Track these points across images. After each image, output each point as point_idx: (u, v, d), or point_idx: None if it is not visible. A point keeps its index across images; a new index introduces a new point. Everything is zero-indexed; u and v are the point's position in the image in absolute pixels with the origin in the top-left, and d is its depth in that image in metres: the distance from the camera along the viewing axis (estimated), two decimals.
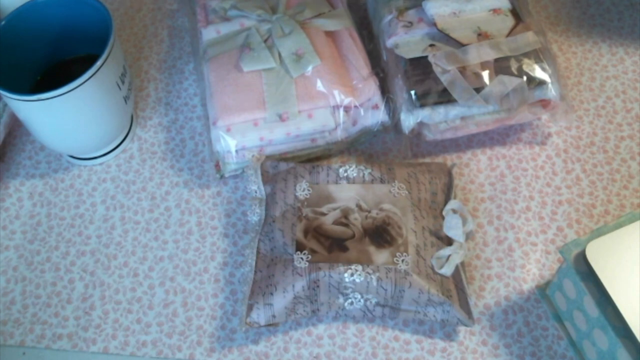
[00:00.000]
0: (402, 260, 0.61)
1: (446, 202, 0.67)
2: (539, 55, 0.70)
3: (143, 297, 0.67)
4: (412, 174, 0.67)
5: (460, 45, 0.70)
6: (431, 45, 0.70)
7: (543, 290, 0.65)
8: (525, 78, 0.68)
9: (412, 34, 0.72)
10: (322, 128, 0.70)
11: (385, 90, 0.72)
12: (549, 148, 0.75)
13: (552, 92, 0.69)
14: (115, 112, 0.70)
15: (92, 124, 0.69)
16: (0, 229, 0.71)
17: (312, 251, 0.62)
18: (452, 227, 0.63)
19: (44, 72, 0.75)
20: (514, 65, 0.69)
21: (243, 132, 0.69)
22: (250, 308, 0.61)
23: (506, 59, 0.69)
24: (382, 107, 0.71)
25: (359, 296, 0.61)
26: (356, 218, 0.64)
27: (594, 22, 0.85)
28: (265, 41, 0.73)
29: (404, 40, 0.72)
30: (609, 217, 0.70)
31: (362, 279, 0.60)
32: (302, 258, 0.61)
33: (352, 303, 0.61)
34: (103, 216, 0.72)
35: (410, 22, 0.73)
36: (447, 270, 0.61)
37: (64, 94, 0.63)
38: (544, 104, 0.71)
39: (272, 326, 0.63)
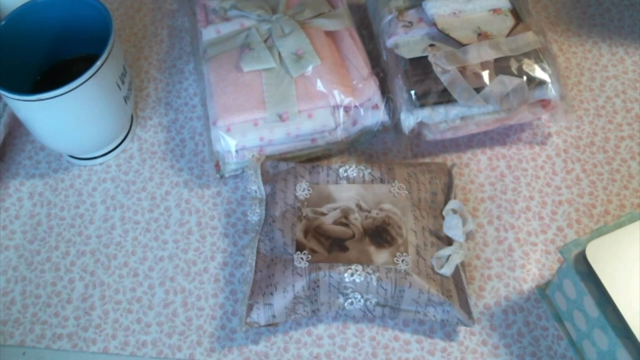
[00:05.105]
0: (402, 260, 0.61)
1: (446, 202, 0.67)
2: (539, 55, 0.70)
3: (143, 297, 0.67)
4: (412, 174, 0.67)
5: (460, 45, 0.70)
6: (431, 45, 0.70)
7: (543, 290, 0.65)
8: (525, 78, 0.68)
9: (412, 34, 0.72)
10: (322, 128, 0.70)
11: (385, 90, 0.72)
12: (549, 148, 0.75)
13: (552, 92, 0.69)
14: (115, 112, 0.70)
15: (92, 124, 0.69)
16: (0, 229, 0.71)
17: (312, 251, 0.62)
18: (452, 227, 0.63)
19: (44, 72, 0.75)
20: (514, 65, 0.69)
21: (243, 132, 0.69)
22: (250, 308, 0.61)
23: (506, 59, 0.69)
24: (382, 107, 0.71)
25: (359, 296, 0.61)
26: (356, 218, 0.64)
27: (594, 22, 0.85)
28: (265, 41, 0.73)
29: (404, 40, 0.72)
30: (609, 217, 0.70)
31: (362, 279, 0.60)
32: (302, 258, 0.61)
33: (352, 303, 0.61)
34: (103, 216, 0.72)
35: (410, 22, 0.73)
36: (447, 270, 0.61)
37: (64, 94, 0.63)
38: (544, 104, 0.71)
39: (272, 326, 0.63)
